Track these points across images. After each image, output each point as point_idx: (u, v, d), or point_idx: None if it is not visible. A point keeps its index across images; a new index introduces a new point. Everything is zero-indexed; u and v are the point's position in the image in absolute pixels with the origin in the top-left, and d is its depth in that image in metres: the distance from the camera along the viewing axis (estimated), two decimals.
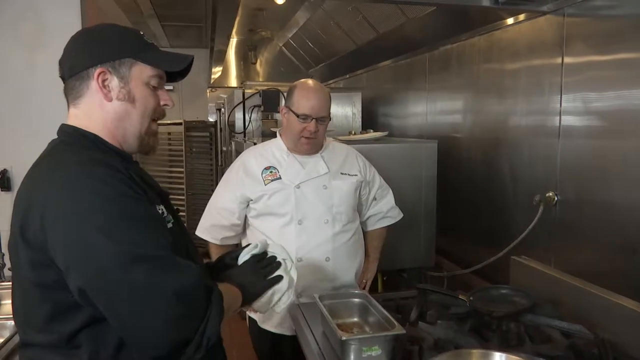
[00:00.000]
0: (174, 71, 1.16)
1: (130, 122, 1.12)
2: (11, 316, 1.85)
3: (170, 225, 1.13)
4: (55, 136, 1.14)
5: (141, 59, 1.11)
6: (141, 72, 1.11)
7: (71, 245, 0.95)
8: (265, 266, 1.31)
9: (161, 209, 1.12)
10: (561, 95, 2.00)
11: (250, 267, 1.31)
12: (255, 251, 1.35)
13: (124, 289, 0.95)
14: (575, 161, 1.95)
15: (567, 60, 1.97)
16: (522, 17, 2.22)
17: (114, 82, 1.09)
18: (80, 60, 1.10)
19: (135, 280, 0.94)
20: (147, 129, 1.15)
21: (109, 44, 1.11)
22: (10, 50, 2.42)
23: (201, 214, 2.07)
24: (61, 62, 1.13)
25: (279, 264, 1.33)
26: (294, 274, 1.35)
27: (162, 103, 1.16)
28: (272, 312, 1.40)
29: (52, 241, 0.96)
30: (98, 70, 1.08)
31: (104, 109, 1.10)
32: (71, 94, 1.12)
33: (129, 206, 1.00)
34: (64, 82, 1.13)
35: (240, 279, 1.25)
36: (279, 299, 1.32)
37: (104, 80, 1.09)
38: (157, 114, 1.16)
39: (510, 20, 2.30)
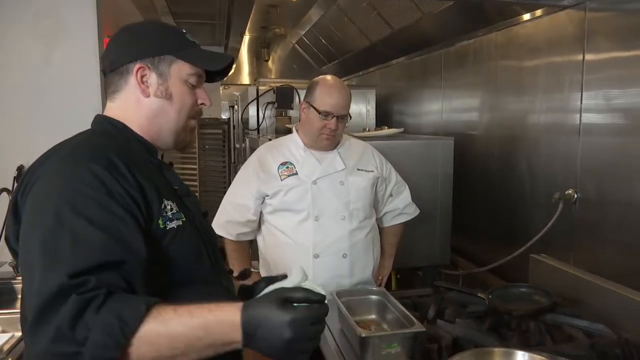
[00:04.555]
0: (214, 70, 1.16)
1: (165, 119, 1.14)
2: None
3: (173, 224, 1.05)
4: (71, 132, 1.14)
5: (181, 57, 1.12)
6: (180, 70, 1.12)
7: (25, 229, 0.94)
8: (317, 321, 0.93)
9: (169, 204, 1.07)
10: (582, 93, 1.96)
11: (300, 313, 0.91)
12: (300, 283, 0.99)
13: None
14: (596, 159, 1.92)
15: (589, 56, 1.93)
16: (541, 11, 2.19)
17: (152, 78, 1.11)
18: (120, 56, 1.12)
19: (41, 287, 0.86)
20: (184, 125, 1.16)
21: (150, 41, 1.12)
22: (29, 47, 2.43)
23: (214, 211, 2.06)
24: (103, 58, 1.16)
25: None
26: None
27: (199, 102, 1.17)
28: None
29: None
30: (137, 65, 1.10)
31: (140, 104, 1.12)
32: (109, 88, 1.14)
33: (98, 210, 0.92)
34: (105, 77, 1.16)
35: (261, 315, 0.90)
36: None
37: (142, 76, 1.10)
38: (194, 112, 1.17)
39: (528, 15, 2.26)
